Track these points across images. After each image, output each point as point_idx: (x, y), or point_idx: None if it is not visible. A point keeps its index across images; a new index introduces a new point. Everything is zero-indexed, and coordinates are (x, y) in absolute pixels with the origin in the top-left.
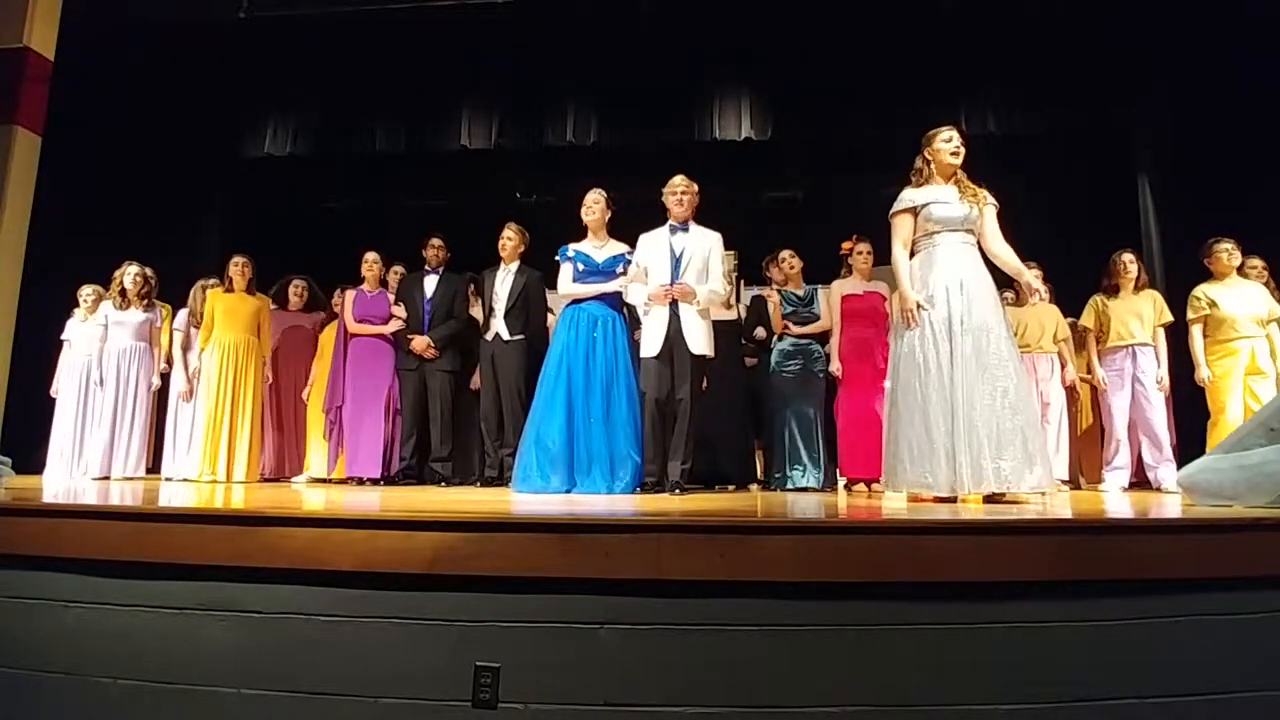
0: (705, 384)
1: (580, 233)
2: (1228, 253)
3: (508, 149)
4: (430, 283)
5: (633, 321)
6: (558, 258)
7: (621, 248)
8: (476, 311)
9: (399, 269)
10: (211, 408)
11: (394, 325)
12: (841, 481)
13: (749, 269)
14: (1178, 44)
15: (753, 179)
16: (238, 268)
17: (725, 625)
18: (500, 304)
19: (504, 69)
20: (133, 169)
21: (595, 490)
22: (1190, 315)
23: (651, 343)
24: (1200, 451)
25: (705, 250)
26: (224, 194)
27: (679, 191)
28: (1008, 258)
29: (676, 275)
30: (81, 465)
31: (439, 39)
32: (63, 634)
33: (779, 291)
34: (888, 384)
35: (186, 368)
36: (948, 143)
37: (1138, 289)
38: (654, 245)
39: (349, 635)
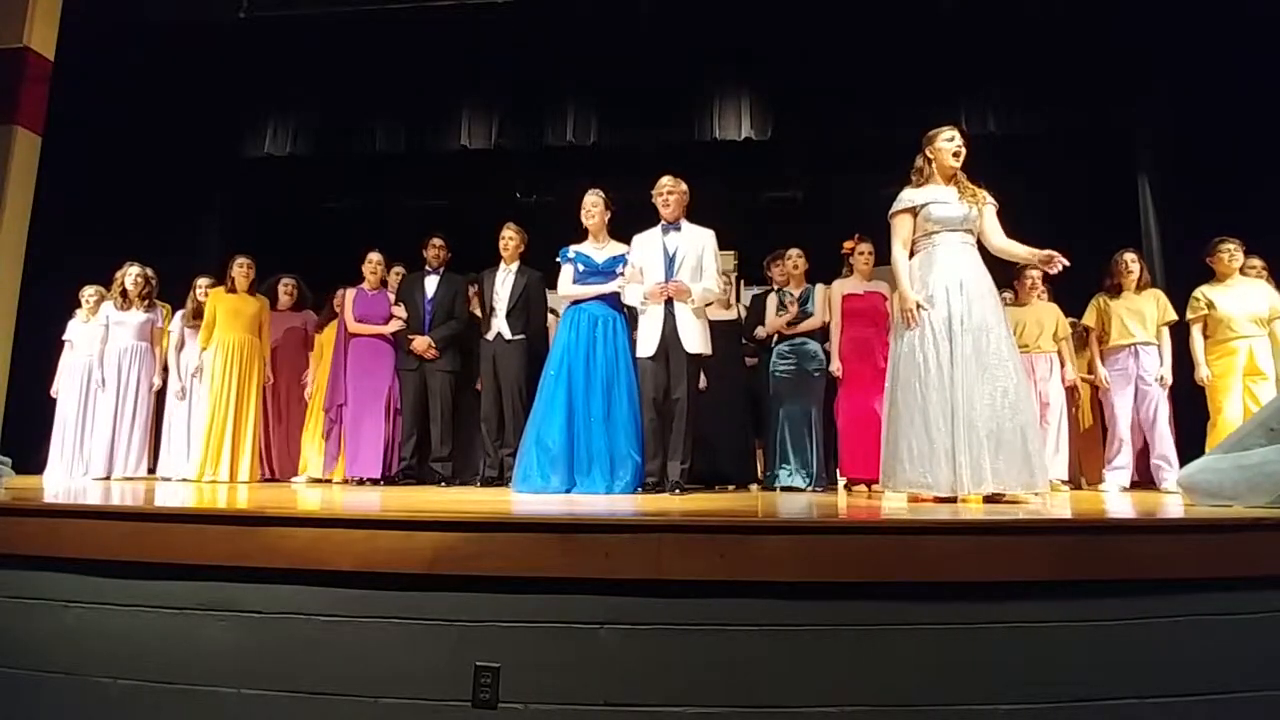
0: (705, 384)
1: (581, 233)
2: (1229, 253)
3: (508, 149)
4: (431, 283)
5: (633, 321)
6: (558, 259)
7: (622, 248)
8: (476, 311)
9: (399, 269)
10: (213, 408)
11: (394, 325)
12: (841, 481)
13: (749, 269)
14: (1178, 44)
15: (753, 179)
16: (241, 268)
17: (725, 625)
18: (502, 304)
19: (504, 69)
20: (133, 169)
21: (595, 490)
22: (1190, 315)
23: (647, 343)
24: (1200, 451)
25: (699, 248)
26: (224, 194)
27: (665, 192)
28: (1014, 248)
29: (671, 274)
30: (82, 465)
31: (439, 39)
32: (63, 634)
33: (777, 291)
34: (888, 384)
35: (180, 367)
36: (949, 142)
37: (1140, 288)
38: (648, 245)
39: (349, 635)
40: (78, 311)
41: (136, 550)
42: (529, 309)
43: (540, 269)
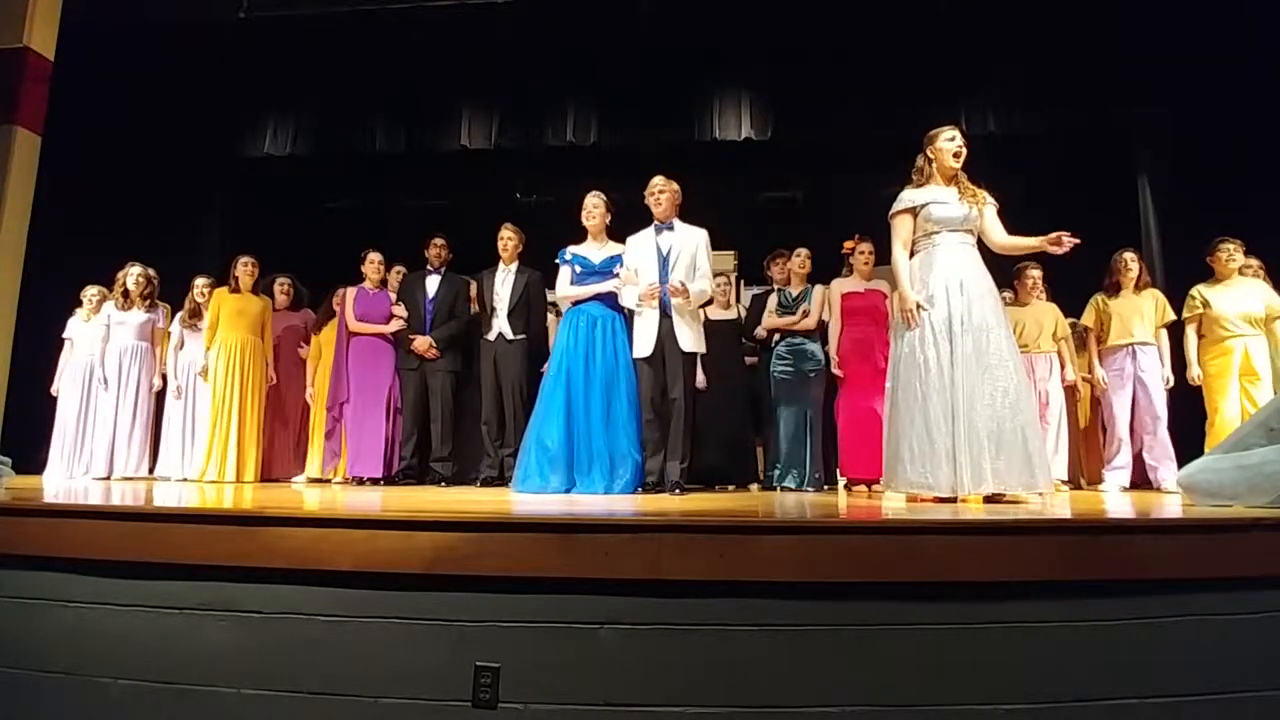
0: (705, 383)
1: (581, 233)
2: (1228, 253)
3: (508, 149)
4: (432, 283)
5: (631, 322)
6: (557, 261)
7: (620, 248)
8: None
9: (400, 269)
10: (216, 408)
11: (395, 325)
12: (842, 482)
13: (749, 269)
14: (1178, 44)
15: (752, 179)
16: (246, 267)
17: (725, 625)
18: (502, 304)
19: (504, 69)
20: (133, 169)
21: (595, 490)
22: (1185, 314)
23: (643, 344)
24: (1200, 451)
25: (692, 247)
26: (224, 194)
27: (656, 191)
28: (1018, 241)
29: (665, 274)
30: (83, 465)
31: (439, 39)
32: (63, 634)
33: (777, 291)
34: (888, 384)
35: (177, 367)
36: (950, 142)
37: (1139, 288)
38: (641, 246)
39: (349, 635)
40: (79, 310)
41: (136, 550)
42: (529, 309)
43: (540, 269)
